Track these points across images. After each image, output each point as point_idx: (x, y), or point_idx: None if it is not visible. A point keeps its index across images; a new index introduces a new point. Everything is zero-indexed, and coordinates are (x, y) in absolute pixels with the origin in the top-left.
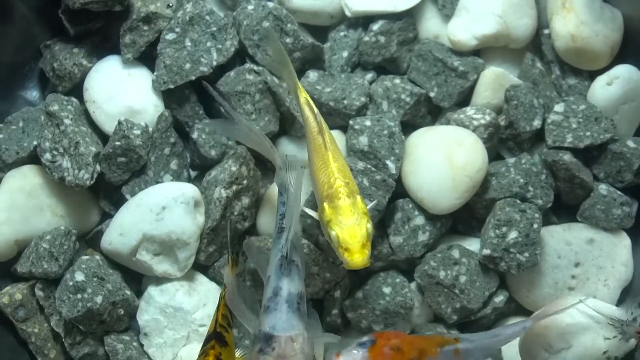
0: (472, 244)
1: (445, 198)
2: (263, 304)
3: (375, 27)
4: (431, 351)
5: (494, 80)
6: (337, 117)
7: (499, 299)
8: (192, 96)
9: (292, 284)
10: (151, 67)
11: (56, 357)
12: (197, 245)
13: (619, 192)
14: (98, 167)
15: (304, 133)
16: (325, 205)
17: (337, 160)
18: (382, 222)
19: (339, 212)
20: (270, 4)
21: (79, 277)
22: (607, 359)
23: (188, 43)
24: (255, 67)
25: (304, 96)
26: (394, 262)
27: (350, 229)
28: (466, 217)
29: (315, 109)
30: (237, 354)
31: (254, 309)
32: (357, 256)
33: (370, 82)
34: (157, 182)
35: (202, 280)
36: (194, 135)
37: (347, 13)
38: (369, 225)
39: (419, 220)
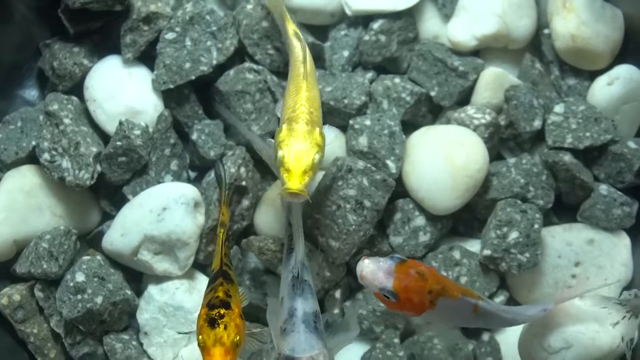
0: (473, 245)
1: (446, 198)
2: (280, 327)
3: (376, 26)
4: (453, 294)
5: (493, 80)
6: (337, 116)
7: (499, 299)
8: (191, 96)
9: (307, 303)
10: (151, 67)
11: (56, 357)
12: (197, 245)
13: (619, 192)
14: (99, 167)
15: (289, 61)
16: (284, 126)
17: (309, 91)
18: (381, 222)
19: (293, 134)
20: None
21: (80, 277)
22: (625, 344)
23: (188, 42)
24: (254, 66)
25: (292, 28)
26: None
27: (298, 152)
28: (467, 218)
29: (304, 42)
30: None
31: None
32: (296, 179)
33: (371, 82)
34: (159, 182)
35: (201, 279)
36: (194, 137)
37: (348, 12)
38: (317, 157)
39: (420, 220)
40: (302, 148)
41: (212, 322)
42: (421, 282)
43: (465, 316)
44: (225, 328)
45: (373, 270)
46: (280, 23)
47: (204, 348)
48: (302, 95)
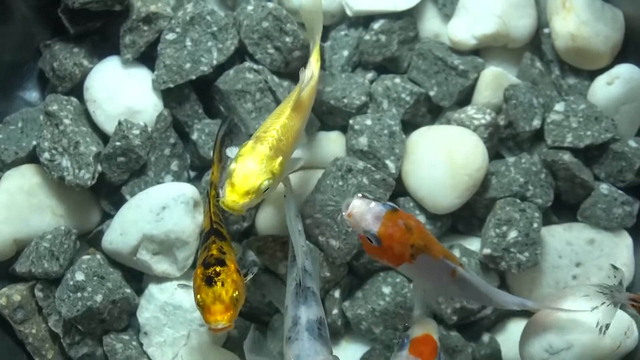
0: (473, 244)
1: (446, 197)
2: (285, 335)
3: (376, 26)
4: (434, 253)
5: (493, 80)
6: (337, 116)
7: None
8: (191, 95)
9: (310, 310)
10: (151, 67)
11: (54, 357)
12: (196, 244)
13: (620, 192)
14: (99, 167)
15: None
16: (249, 142)
17: (290, 120)
18: None
19: (252, 153)
20: (270, 4)
21: (80, 276)
22: (599, 329)
23: (188, 43)
24: (254, 66)
25: (317, 54)
26: None
27: (249, 172)
28: (467, 217)
29: (317, 74)
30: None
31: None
32: (235, 196)
33: (371, 82)
34: (158, 183)
35: None
36: (194, 137)
37: (349, 12)
38: (266, 183)
39: (420, 219)
40: (254, 169)
41: (209, 281)
42: (406, 234)
43: (443, 279)
44: (222, 285)
45: (362, 210)
46: (311, 41)
47: (203, 307)
48: (281, 121)
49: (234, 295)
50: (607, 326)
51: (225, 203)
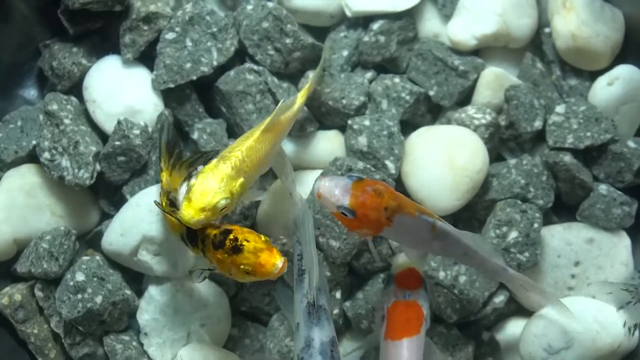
0: None
1: (446, 198)
2: (296, 354)
3: (375, 26)
4: (410, 212)
5: (493, 80)
6: (336, 116)
7: (499, 299)
8: (192, 95)
9: (323, 332)
10: (151, 67)
11: (56, 357)
12: None
13: (619, 192)
14: (98, 167)
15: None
16: (214, 160)
17: (259, 143)
18: None
19: (214, 171)
20: (270, 4)
21: (79, 277)
22: (628, 329)
23: (189, 43)
24: (255, 67)
25: (306, 91)
26: None
27: (207, 189)
28: (467, 218)
29: (300, 106)
30: None
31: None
32: (191, 212)
33: (370, 81)
34: (158, 182)
35: None
36: (194, 136)
37: (348, 13)
38: (223, 203)
39: None
40: (212, 187)
41: (236, 249)
42: (377, 199)
43: (423, 235)
44: (247, 241)
45: (330, 187)
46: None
47: (254, 268)
48: (248, 143)
49: (262, 238)
50: (636, 326)
51: (181, 216)
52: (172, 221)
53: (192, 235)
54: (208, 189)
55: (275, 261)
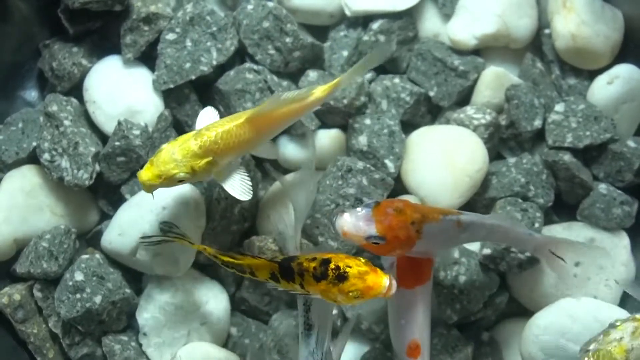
0: (473, 244)
1: (446, 197)
2: None
3: (375, 26)
4: (434, 217)
5: (494, 80)
6: (336, 115)
7: (500, 299)
8: (192, 95)
9: None
10: (151, 67)
11: (55, 357)
12: (196, 244)
13: (619, 191)
14: (97, 167)
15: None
16: (191, 133)
17: (240, 129)
18: None
19: (184, 145)
20: (270, 4)
21: (78, 277)
22: None
23: (189, 43)
24: (254, 66)
25: (320, 91)
26: None
27: (168, 158)
28: None
29: (310, 101)
30: None
31: None
32: (147, 173)
33: (370, 82)
34: None
35: (202, 279)
36: None
37: (348, 13)
38: (181, 175)
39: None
40: (174, 158)
41: (341, 278)
42: (402, 217)
43: (452, 234)
44: (349, 267)
45: (352, 222)
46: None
47: (363, 293)
48: (227, 126)
49: (362, 260)
50: None
51: (139, 176)
52: (261, 263)
53: (288, 272)
54: (169, 158)
55: (382, 282)
